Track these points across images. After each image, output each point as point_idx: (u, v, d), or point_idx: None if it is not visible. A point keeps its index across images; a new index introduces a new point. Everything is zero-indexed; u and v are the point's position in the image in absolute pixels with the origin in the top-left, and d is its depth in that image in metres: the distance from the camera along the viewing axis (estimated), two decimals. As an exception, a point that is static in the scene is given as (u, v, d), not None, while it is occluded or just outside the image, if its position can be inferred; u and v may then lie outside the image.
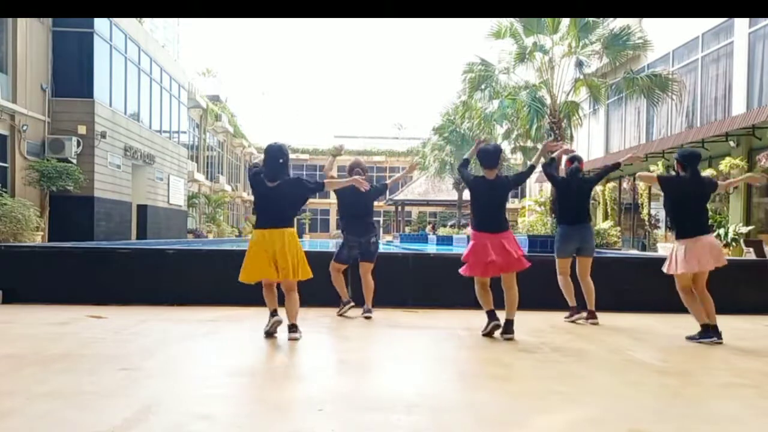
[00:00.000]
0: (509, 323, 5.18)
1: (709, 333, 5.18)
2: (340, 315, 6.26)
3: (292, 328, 4.98)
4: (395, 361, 4.44)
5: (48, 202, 15.50)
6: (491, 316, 5.22)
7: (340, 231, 6.48)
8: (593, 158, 24.12)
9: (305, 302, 6.48)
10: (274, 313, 5.08)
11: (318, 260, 6.82)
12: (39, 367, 3.85)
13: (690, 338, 5.27)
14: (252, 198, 37.68)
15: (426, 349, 4.87)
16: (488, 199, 5.28)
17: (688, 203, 5.32)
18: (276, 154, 4.99)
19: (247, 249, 5.02)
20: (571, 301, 6.26)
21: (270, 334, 5.01)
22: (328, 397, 3.28)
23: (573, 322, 6.15)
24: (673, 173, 5.59)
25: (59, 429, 2.71)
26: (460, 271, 5.31)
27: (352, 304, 6.27)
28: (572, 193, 6.39)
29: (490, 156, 5.30)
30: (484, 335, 5.19)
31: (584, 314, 6.18)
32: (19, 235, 12.48)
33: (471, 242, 5.30)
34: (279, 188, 4.97)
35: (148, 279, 7.06)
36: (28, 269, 7.06)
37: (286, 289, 5.04)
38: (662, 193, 5.57)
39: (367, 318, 6.16)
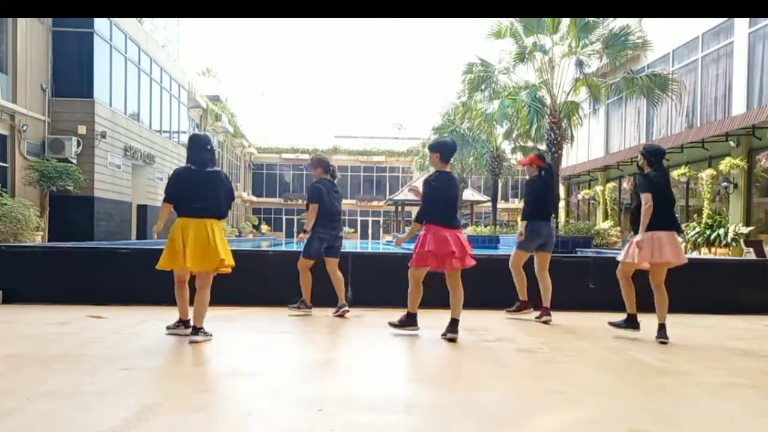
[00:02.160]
0: (452, 323, 5.19)
1: (634, 322, 5.32)
2: (292, 315, 6.23)
3: (196, 331, 4.79)
4: (395, 361, 4.44)
5: (48, 202, 15.51)
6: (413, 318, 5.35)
7: (304, 231, 6.49)
8: (593, 158, 24.14)
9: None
10: (187, 324, 4.99)
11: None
12: (39, 367, 3.85)
13: (614, 324, 5.39)
14: (251, 198, 37.33)
15: (425, 349, 4.87)
16: (451, 193, 5.29)
17: (660, 197, 5.31)
18: (203, 141, 5.11)
19: (170, 237, 4.83)
20: (523, 295, 6.34)
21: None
22: (328, 397, 3.28)
23: (516, 317, 6.25)
24: (641, 171, 5.46)
25: (59, 429, 2.71)
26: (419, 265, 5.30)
27: (311, 313, 6.31)
28: (547, 191, 6.44)
29: (452, 151, 5.40)
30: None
31: (531, 311, 6.30)
32: (19, 235, 12.48)
33: (428, 235, 5.16)
34: (210, 176, 4.96)
35: (148, 279, 7.02)
36: (28, 269, 7.06)
37: (200, 286, 4.93)
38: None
39: (345, 314, 6.23)
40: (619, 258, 5.44)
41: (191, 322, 4.93)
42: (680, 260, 5.25)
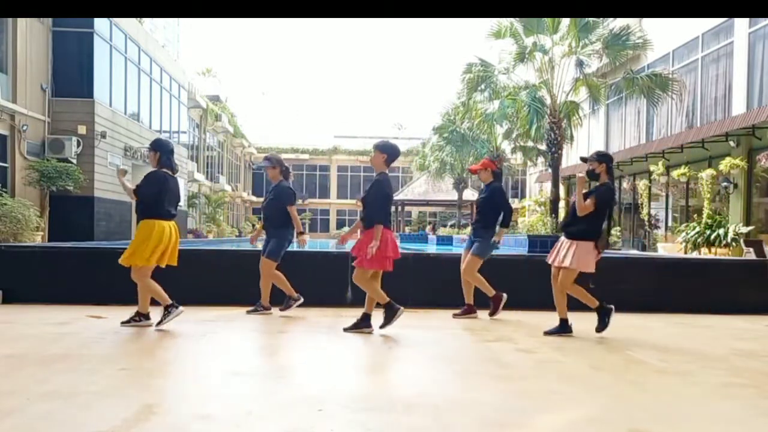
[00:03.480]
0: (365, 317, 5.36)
1: (568, 327, 5.37)
2: (285, 309, 6.29)
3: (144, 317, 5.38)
4: (395, 361, 4.44)
5: (48, 202, 15.51)
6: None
7: (265, 228, 6.54)
8: (593, 158, 24.13)
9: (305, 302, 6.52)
10: (176, 305, 5.27)
11: (314, 260, 6.84)
12: (39, 367, 3.85)
13: (550, 333, 5.37)
14: (251, 198, 37.40)
15: (426, 349, 4.86)
16: (392, 195, 5.42)
17: (609, 211, 5.34)
18: (171, 146, 5.43)
19: (150, 238, 5.28)
20: (491, 291, 6.31)
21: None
22: (328, 397, 3.28)
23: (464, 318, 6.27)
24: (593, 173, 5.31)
25: (59, 429, 2.71)
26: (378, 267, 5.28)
27: (302, 300, 6.33)
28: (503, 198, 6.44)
29: (397, 156, 5.41)
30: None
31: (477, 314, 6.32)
32: (19, 235, 12.48)
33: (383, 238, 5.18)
34: (177, 182, 5.39)
35: (148, 279, 7.05)
36: (28, 269, 7.06)
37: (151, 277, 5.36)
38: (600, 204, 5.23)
39: (264, 314, 6.27)
40: (568, 264, 5.26)
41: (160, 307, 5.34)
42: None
